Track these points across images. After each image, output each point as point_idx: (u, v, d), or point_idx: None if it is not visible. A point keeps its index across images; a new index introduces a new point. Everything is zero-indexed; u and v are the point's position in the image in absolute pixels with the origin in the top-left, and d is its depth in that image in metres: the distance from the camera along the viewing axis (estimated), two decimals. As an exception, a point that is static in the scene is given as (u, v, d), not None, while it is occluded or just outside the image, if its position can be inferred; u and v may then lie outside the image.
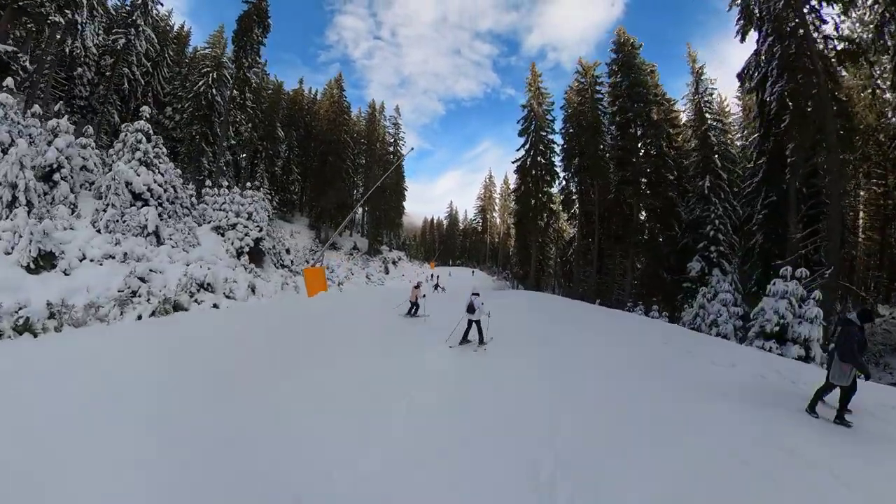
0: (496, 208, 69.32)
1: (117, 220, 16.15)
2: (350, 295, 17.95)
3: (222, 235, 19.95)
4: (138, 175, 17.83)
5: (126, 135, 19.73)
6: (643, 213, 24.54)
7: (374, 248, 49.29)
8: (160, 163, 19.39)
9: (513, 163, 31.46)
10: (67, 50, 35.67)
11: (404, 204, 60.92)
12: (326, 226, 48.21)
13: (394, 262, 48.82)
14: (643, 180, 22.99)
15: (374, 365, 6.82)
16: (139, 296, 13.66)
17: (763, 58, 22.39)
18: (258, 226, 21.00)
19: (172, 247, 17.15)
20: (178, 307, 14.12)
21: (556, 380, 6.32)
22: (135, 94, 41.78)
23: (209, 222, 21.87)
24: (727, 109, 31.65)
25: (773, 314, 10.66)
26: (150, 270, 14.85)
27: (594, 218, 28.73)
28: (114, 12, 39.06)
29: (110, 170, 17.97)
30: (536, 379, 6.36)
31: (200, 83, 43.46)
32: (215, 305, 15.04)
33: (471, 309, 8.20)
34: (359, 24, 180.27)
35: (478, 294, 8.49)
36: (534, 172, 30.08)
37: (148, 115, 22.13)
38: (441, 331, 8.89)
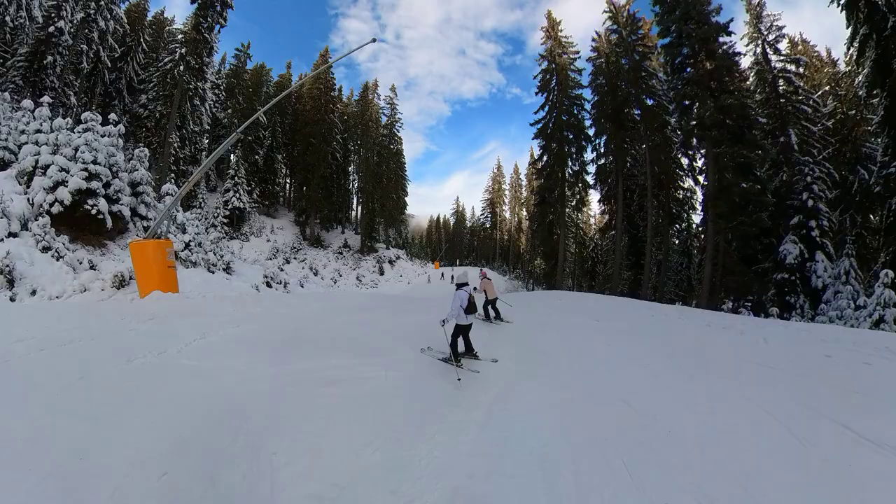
0: (506, 201, 62.95)
1: None
2: (288, 307, 10.42)
3: (28, 184, 11.53)
4: None
5: None
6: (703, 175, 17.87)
7: (368, 246, 43.27)
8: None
9: (531, 125, 25.02)
10: (9, 19, 31.81)
11: (406, 199, 55.02)
12: (313, 220, 42.45)
13: (390, 262, 42.73)
14: (714, 132, 16.07)
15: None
16: None
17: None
18: (85, 168, 11.35)
19: None
20: None
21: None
22: (102, 79, 37.41)
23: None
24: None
25: None
26: None
27: (640, 192, 22.16)
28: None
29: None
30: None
31: (167, 60, 38.60)
32: None
33: (474, 308, 5.82)
34: (363, 27, 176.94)
35: (467, 284, 5.99)
36: (559, 135, 23.36)
37: None
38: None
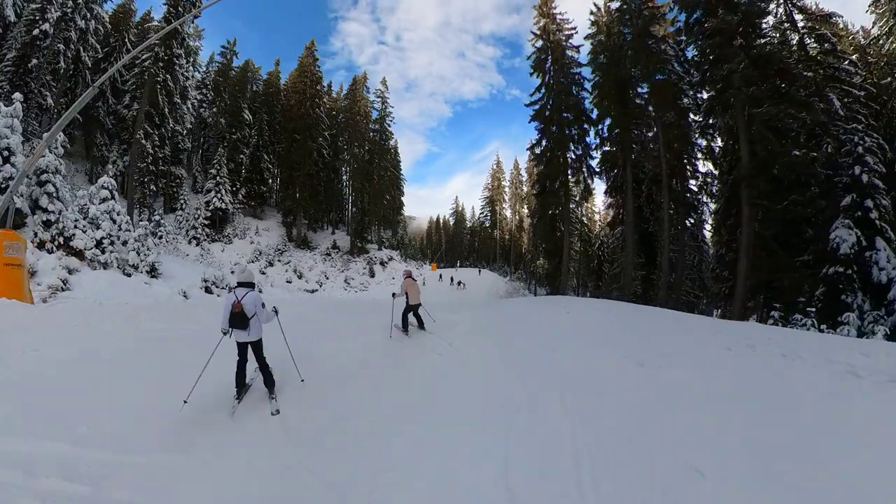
0: (506, 199, 60.14)
1: None
2: (191, 322, 8.21)
3: None
4: None
5: None
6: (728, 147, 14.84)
7: (359, 247, 40.75)
8: None
9: (527, 105, 22.44)
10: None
11: (403, 199, 52.53)
12: (300, 220, 40.09)
13: (382, 263, 40.12)
14: (753, 89, 12.95)
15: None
16: None
17: None
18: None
19: None
20: None
21: None
22: (84, 80, 35.75)
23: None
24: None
25: None
26: None
27: (649, 181, 19.16)
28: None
29: None
30: None
31: (146, 57, 36.80)
32: None
33: (243, 320, 3.97)
34: (363, 30, 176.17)
35: (252, 285, 4.26)
36: (558, 117, 20.55)
37: None
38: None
